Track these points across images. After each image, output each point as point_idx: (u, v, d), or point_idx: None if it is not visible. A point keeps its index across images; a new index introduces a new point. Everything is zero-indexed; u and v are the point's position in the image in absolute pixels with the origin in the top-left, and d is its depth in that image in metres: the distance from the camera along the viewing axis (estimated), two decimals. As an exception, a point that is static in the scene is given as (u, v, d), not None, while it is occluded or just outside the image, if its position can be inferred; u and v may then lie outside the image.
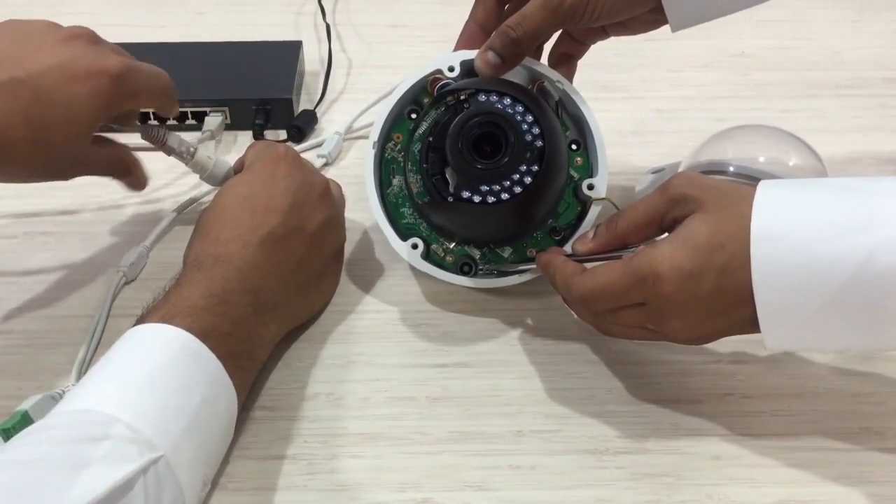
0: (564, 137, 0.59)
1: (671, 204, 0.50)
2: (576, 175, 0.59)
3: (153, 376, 0.46)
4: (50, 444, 0.41)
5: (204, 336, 0.48)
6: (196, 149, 0.63)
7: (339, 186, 0.63)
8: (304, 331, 0.59)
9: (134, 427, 0.42)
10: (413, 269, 0.61)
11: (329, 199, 0.59)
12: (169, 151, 0.62)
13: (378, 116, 0.59)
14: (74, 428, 0.42)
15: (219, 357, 0.48)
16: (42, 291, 0.62)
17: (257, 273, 0.53)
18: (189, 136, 0.72)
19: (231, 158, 0.65)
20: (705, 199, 0.49)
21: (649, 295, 0.48)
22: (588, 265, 0.53)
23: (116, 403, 0.43)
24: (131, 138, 0.62)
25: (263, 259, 0.54)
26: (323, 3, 0.93)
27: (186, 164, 0.63)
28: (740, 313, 0.47)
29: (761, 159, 0.62)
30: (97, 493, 0.39)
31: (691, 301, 0.47)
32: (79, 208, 0.69)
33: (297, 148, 0.74)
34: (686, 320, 0.48)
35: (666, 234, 0.51)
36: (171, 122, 0.76)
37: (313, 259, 0.57)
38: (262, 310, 0.53)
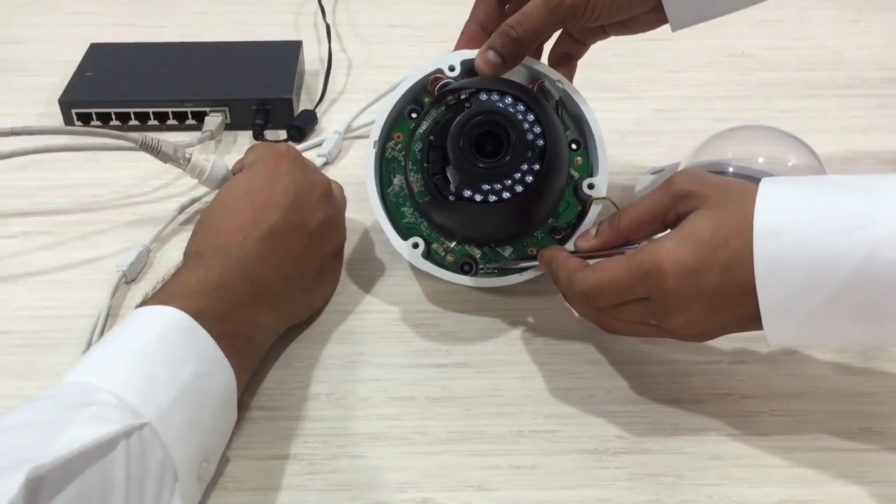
0: (565, 137, 0.59)
1: (674, 200, 0.50)
2: (576, 174, 0.59)
3: (142, 351, 0.46)
4: (35, 411, 0.42)
5: (197, 315, 0.48)
6: (191, 154, 0.64)
7: (340, 187, 0.63)
8: (304, 331, 0.59)
9: (119, 396, 0.43)
10: (413, 268, 0.61)
11: (330, 198, 0.59)
12: (165, 158, 0.64)
13: (378, 116, 0.59)
14: (61, 397, 0.43)
15: (213, 336, 0.48)
16: (42, 291, 0.62)
17: (257, 265, 0.53)
18: (189, 136, 0.73)
19: (231, 159, 0.65)
20: (709, 195, 0.49)
21: (653, 290, 0.48)
22: (590, 262, 0.53)
23: (103, 375, 0.44)
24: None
25: (264, 252, 0.54)
26: (323, 3, 0.93)
27: (184, 169, 0.64)
28: (743, 309, 0.47)
29: (761, 160, 0.62)
30: (73, 447, 0.39)
31: (695, 296, 0.48)
32: (79, 208, 0.69)
33: (297, 148, 0.75)
34: (689, 316, 0.48)
35: (668, 231, 0.51)
36: (172, 121, 0.76)
37: (313, 256, 0.57)
38: (261, 298, 0.53)
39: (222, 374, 0.49)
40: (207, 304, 0.49)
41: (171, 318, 0.48)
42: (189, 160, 0.64)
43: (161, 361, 0.46)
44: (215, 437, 0.48)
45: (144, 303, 0.50)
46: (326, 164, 0.74)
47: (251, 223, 0.54)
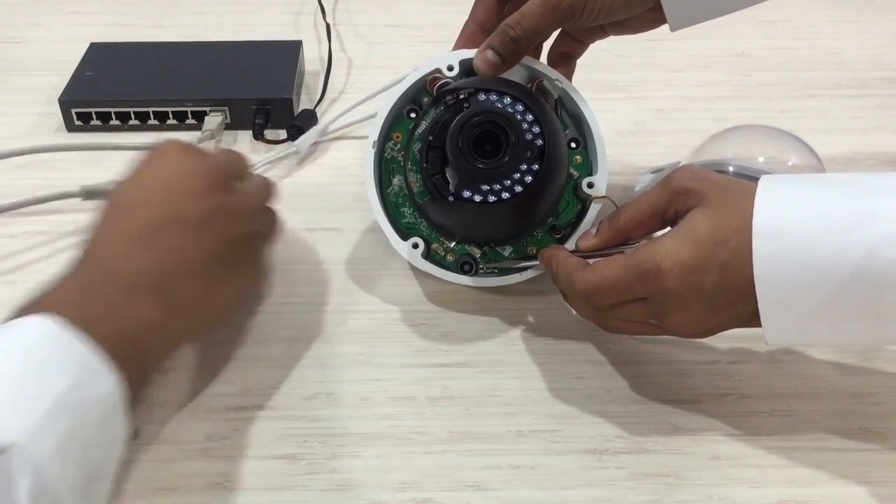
0: (564, 136, 0.59)
1: (673, 196, 0.50)
2: (575, 173, 0.59)
3: (5, 370, 0.42)
4: None
5: (72, 322, 0.44)
6: None
7: (263, 179, 0.59)
8: (304, 330, 0.59)
9: None
10: (413, 268, 0.61)
11: (217, 189, 0.53)
12: None
13: (377, 116, 0.59)
14: None
15: (95, 341, 0.44)
16: (42, 291, 0.62)
17: (131, 263, 0.49)
18: (189, 136, 0.73)
19: (231, 158, 0.65)
20: (708, 193, 0.49)
21: (652, 289, 0.48)
22: (590, 261, 0.53)
23: None
24: (132, 137, 0.62)
25: (138, 249, 0.50)
26: (323, 3, 0.93)
27: None
28: (742, 308, 0.47)
29: (760, 159, 0.62)
30: None
31: (694, 295, 0.48)
32: (79, 208, 0.69)
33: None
34: (688, 315, 0.48)
35: (668, 229, 0.51)
36: (172, 121, 0.76)
37: (205, 247, 0.52)
38: (142, 295, 0.48)
39: (102, 383, 0.44)
40: (79, 312, 0.45)
41: (37, 329, 0.43)
42: None
43: (27, 377, 0.42)
44: (103, 452, 0.44)
45: (18, 310, 0.46)
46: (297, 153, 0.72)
47: (122, 226, 0.51)
